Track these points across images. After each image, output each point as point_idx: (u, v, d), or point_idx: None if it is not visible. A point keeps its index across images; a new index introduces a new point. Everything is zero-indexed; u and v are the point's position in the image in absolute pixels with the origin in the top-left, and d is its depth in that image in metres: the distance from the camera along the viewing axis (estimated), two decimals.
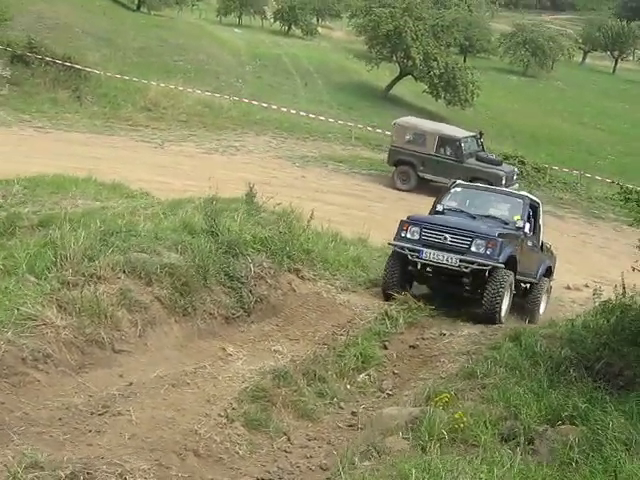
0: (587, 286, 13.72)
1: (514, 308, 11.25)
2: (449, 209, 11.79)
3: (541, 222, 12.38)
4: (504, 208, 12.02)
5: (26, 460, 4.47)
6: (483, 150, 21.23)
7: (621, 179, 18.08)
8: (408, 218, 11.15)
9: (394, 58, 32.29)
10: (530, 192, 20.98)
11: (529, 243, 11.80)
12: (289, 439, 6.98)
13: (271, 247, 10.03)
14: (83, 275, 7.84)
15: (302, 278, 10.27)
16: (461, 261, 10.41)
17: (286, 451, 6.74)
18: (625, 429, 5.53)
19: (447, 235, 10.58)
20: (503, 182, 19.33)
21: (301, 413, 7.46)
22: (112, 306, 7.63)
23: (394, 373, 8.84)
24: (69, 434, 5.73)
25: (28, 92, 23.04)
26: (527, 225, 11.47)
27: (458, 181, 12.72)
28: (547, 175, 23.82)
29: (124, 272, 8.14)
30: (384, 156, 24.33)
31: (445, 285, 11.05)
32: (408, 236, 10.84)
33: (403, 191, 20.32)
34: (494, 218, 11.59)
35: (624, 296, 9.11)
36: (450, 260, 10.46)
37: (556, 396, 6.64)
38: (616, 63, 57.37)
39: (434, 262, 10.55)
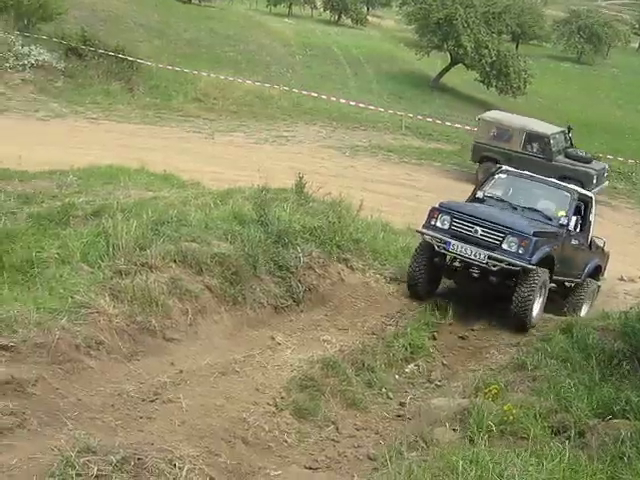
0: None
1: (553, 308, 10.60)
2: (490, 197, 11.00)
3: (592, 218, 11.46)
4: (550, 201, 11.05)
5: (79, 444, 4.57)
6: (572, 146, 20.21)
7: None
8: (440, 205, 10.23)
9: (445, 46, 31.97)
10: None
11: (573, 241, 10.84)
12: (337, 428, 7.02)
13: (320, 237, 10.05)
14: (135, 264, 7.96)
15: (351, 268, 10.26)
16: (490, 258, 9.51)
17: (334, 440, 6.78)
18: None
19: (478, 228, 9.68)
20: (594, 181, 18.52)
21: (349, 403, 7.49)
22: (163, 295, 7.73)
23: (443, 364, 8.81)
24: (121, 420, 5.84)
25: (82, 84, 23.37)
26: (572, 221, 10.55)
27: (504, 167, 11.82)
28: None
29: (175, 261, 8.25)
30: (433, 145, 24.26)
31: (473, 281, 10.14)
32: (438, 224, 10.01)
33: None
34: (537, 211, 10.68)
35: None
36: (478, 255, 9.58)
37: (608, 389, 6.53)
38: None
39: (461, 256, 9.75)
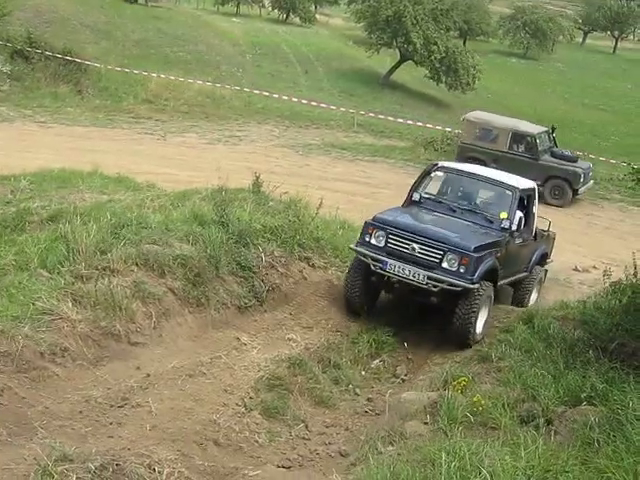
0: (595, 267, 13.65)
1: (503, 298, 10.51)
2: (427, 198, 10.29)
3: (535, 209, 10.86)
4: (491, 201, 10.44)
5: (55, 453, 4.50)
6: (556, 146, 19.96)
7: (626, 160, 18.06)
8: (374, 219, 9.48)
9: (394, 43, 32.18)
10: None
11: (517, 240, 10.20)
12: (307, 426, 7.05)
13: (281, 236, 10.03)
14: (96, 268, 7.87)
15: (313, 266, 10.26)
16: (429, 279, 8.83)
17: (305, 438, 6.81)
18: None
19: (416, 245, 8.98)
20: (582, 180, 18.56)
21: (317, 400, 7.54)
22: (126, 298, 7.65)
23: (408, 358, 8.89)
24: (90, 427, 5.78)
25: (29, 87, 22.92)
26: (515, 222, 9.99)
27: (440, 163, 10.99)
28: None
29: (137, 264, 8.17)
30: (386, 142, 24.39)
31: (413, 297, 9.45)
32: (372, 241, 9.28)
33: None
34: (477, 213, 10.02)
35: (635, 276, 9.10)
36: (417, 276, 8.89)
37: (573, 377, 6.67)
38: (616, 43, 57.14)
39: (399, 276, 9.05)
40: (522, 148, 19.28)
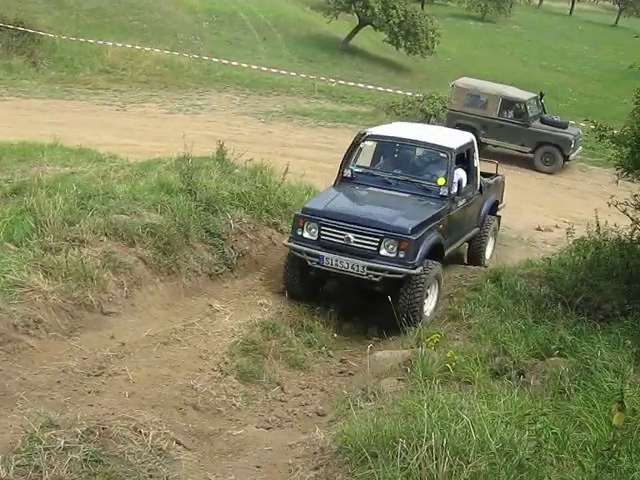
0: (557, 227, 13.91)
1: (459, 257, 10.57)
2: (359, 172, 9.70)
3: (476, 163, 10.46)
4: (426, 166, 9.95)
5: (41, 420, 4.53)
6: (545, 112, 19.70)
7: (585, 120, 18.29)
8: (303, 210, 8.93)
9: (352, 8, 31.94)
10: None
11: (461, 202, 9.78)
12: (282, 389, 7.15)
13: (249, 202, 10.06)
14: (65, 240, 7.83)
15: (281, 232, 10.29)
16: (369, 269, 8.39)
17: (281, 400, 6.91)
18: (613, 357, 5.74)
19: (350, 235, 8.47)
20: (572, 146, 18.47)
21: (292, 363, 7.64)
22: (97, 269, 7.64)
23: (378, 321, 8.99)
24: (69, 396, 5.80)
25: None
26: (455, 183, 9.48)
27: (368, 132, 10.15)
28: None
29: (106, 234, 8.15)
30: (347, 107, 24.36)
31: (358, 285, 8.99)
32: (305, 235, 8.73)
33: None
34: (413, 182, 9.46)
35: (598, 233, 9.31)
36: (356, 268, 8.42)
37: (542, 331, 6.84)
38: (573, 4, 57.41)
39: (337, 269, 8.56)
40: (512, 114, 19.07)
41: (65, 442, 4.28)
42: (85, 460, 4.22)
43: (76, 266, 7.43)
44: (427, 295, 8.64)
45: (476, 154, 10.52)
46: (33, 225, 7.99)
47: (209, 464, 4.60)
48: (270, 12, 35.06)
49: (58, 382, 6.00)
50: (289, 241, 8.95)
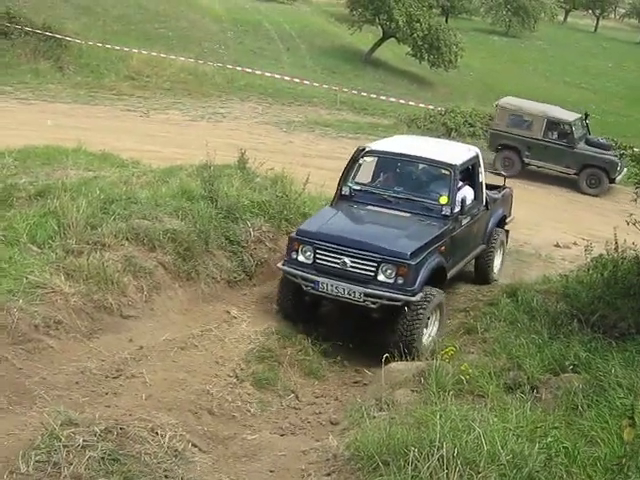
0: (576, 244, 13.84)
1: (466, 272, 10.21)
2: (358, 190, 9.24)
3: (482, 178, 10.00)
4: (428, 184, 9.43)
5: (60, 417, 4.62)
6: (589, 133, 19.22)
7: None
8: (298, 232, 8.51)
9: (377, 20, 32.09)
10: None
11: (465, 221, 9.33)
12: (297, 397, 7.21)
13: (269, 211, 10.14)
14: (87, 243, 7.96)
15: None
16: (366, 295, 7.94)
17: (295, 408, 6.97)
18: (627, 375, 5.75)
19: (347, 259, 8.03)
20: (618, 169, 17.96)
21: (307, 372, 7.71)
22: (118, 272, 7.76)
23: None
24: (87, 396, 5.90)
25: (9, 63, 22.73)
26: (459, 201, 9.00)
27: (368, 147, 9.63)
28: None
29: (127, 239, 8.27)
30: (369, 119, 24.44)
31: (355, 311, 8.45)
32: (300, 258, 8.31)
33: (506, 177, 18.65)
34: (415, 201, 8.98)
35: (616, 251, 9.29)
36: (353, 294, 7.99)
37: (557, 347, 6.86)
38: (598, 21, 57.34)
39: (333, 295, 8.15)
40: (557, 135, 18.62)
41: (84, 440, 4.37)
42: (103, 458, 4.30)
43: (97, 269, 7.55)
44: (427, 324, 8.14)
45: (482, 168, 10.06)
46: (56, 228, 8.14)
47: (223, 467, 4.67)
48: (295, 23, 35.31)
49: (76, 383, 6.11)
50: (283, 264, 8.50)
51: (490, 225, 10.53)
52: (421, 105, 24.73)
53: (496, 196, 10.89)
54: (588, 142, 18.74)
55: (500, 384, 6.09)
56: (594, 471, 3.66)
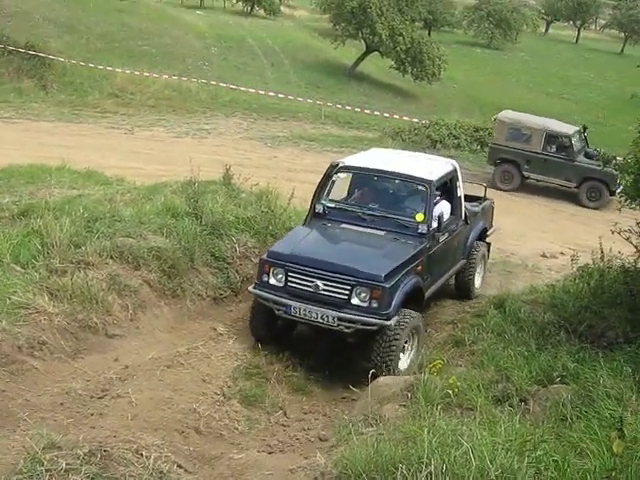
0: (562, 253, 13.87)
1: (448, 286, 9.97)
2: (332, 207, 8.93)
3: (460, 192, 9.70)
4: (404, 199, 9.14)
5: (43, 441, 4.55)
6: (588, 146, 19.07)
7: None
8: (268, 254, 8.21)
9: (360, 35, 32.24)
10: None
11: (443, 237, 9.03)
12: (285, 413, 7.16)
13: (254, 227, 10.10)
14: (71, 262, 7.90)
15: None
16: (340, 319, 7.63)
17: (284, 425, 6.92)
18: (615, 385, 5.73)
19: (319, 282, 7.72)
20: (618, 181, 17.02)
21: (295, 388, 7.66)
22: (102, 291, 7.70)
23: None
24: (72, 418, 5.83)
25: None
26: (435, 218, 8.70)
27: (341, 163, 9.27)
28: None
29: (112, 257, 8.22)
30: (354, 133, 24.47)
31: (329, 335, 8.13)
32: (271, 281, 7.99)
33: (505, 191, 18.38)
34: (390, 218, 8.69)
35: (602, 260, 9.30)
36: (326, 318, 7.68)
37: (545, 358, 6.84)
38: (579, 32, 57.81)
39: (306, 319, 7.84)
40: (556, 149, 18.56)
41: (67, 464, 4.30)
42: None
43: (81, 288, 7.49)
44: (403, 349, 7.87)
45: (459, 182, 9.71)
46: (39, 247, 8.07)
47: None
48: (278, 38, 35.44)
49: (61, 404, 6.03)
50: (254, 287, 8.17)
51: (470, 239, 10.27)
52: (405, 118, 24.83)
53: (476, 209, 10.62)
54: (587, 155, 18.57)
55: (489, 397, 6.05)
56: None
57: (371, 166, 9.38)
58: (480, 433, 4.32)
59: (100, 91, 24.16)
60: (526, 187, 19.06)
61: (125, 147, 18.78)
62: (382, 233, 8.60)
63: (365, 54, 33.01)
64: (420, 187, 8.91)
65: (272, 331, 8.33)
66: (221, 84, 26.60)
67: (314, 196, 9.09)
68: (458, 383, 6.12)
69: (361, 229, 8.72)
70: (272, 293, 7.98)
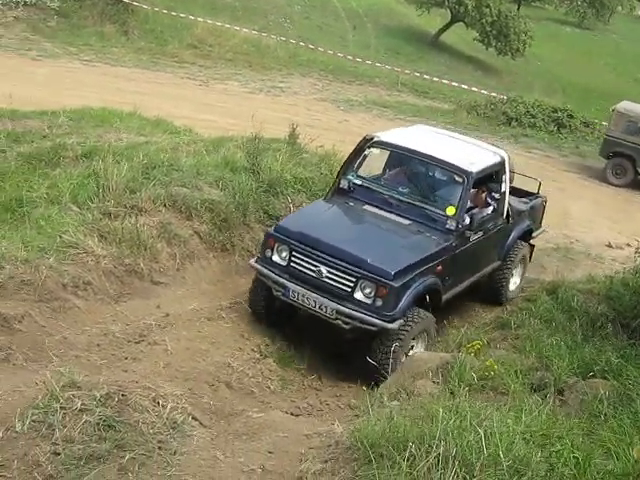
0: (629, 245, 13.43)
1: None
2: (359, 185, 8.17)
3: (506, 187, 8.67)
4: (437, 190, 8.25)
5: (64, 379, 4.63)
6: None
7: None
8: (275, 228, 7.59)
9: (446, 3, 31.50)
10: (577, 147, 20.89)
11: (475, 236, 8.09)
12: (320, 378, 7.12)
13: (312, 188, 10.01)
14: (124, 207, 7.98)
15: None
16: (339, 313, 6.94)
17: (317, 389, 6.91)
18: None
19: (323, 268, 7.03)
20: None
21: (333, 354, 7.57)
22: (152, 238, 7.77)
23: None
24: (106, 359, 5.91)
25: (76, 25, 22.99)
26: (467, 217, 7.90)
27: (376, 137, 8.40)
28: (596, 130, 23.21)
29: (165, 205, 8.27)
30: (429, 103, 24.07)
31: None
32: (274, 258, 7.37)
33: (616, 186, 17.71)
34: (420, 207, 7.88)
35: None
36: (324, 309, 7.00)
37: (589, 350, 6.64)
38: None
39: (303, 307, 7.20)
40: None
41: (82, 404, 4.36)
42: (98, 424, 4.28)
43: (131, 233, 7.58)
44: (410, 350, 7.17)
45: (506, 177, 8.67)
46: (96, 189, 8.17)
47: (221, 443, 4.61)
48: (363, 1, 34.92)
49: (98, 345, 6.13)
50: (256, 261, 7.60)
51: (510, 240, 9.15)
52: (484, 92, 24.28)
53: (522, 207, 9.54)
54: None
55: (525, 383, 5.90)
56: None
57: (407, 145, 8.41)
58: (504, 420, 4.20)
59: (180, 41, 24.24)
60: (597, 172, 18.47)
61: (198, 98, 18.86)
62: (407, 222, 7.77)
63: (449, 24, 32.30)
64: (457, 177, 7.98)
65: (270, 313, 7.67)
66: (300, 43, 26.43)
67: (341, 169, 8.41)
68: (495, 366, 5.98)
69: (385, 214, 7.89)
70: (273, 271, 7.34)
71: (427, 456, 3.45)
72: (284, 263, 7.31)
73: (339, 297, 7.00)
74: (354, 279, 6.94)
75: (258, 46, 25.52)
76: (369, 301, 6.93)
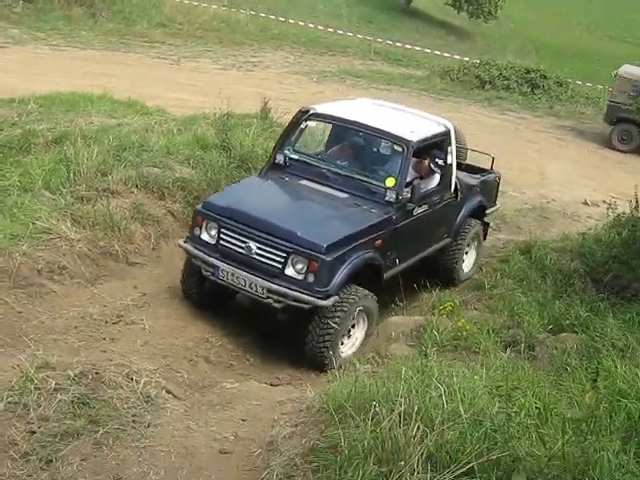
0: (605, 202, 13.52)
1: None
2: (295, 160, 7.79)
3: (451, 158, 8.19)
4: (377, 160, 7.87)
5: (37, 361, 4.71)
6: None
7: None
8: (204, 205, 7.18)
9: None
10: (551, 107, 20.98)
11: (418, 210, 7.66)
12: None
13: None
14: (96, 190, 8.00)
15: None
16: (269, 291, 6.57)
17: (296, 360, 6.96)
18: (623, 336, 5.66)
19: (252, 244, 6.67)
20: None
21: None
22: (125, 220, 7.80)
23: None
24: (84, 341, 5.98)
25: (42, 9, 22.74)
26: (406, 190, 7.38)
27: (312, 109, 7.93)
28: (569, 89, 23.31)
29: (137, 186, 8.30)
30: (402, 70, 24.06)
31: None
32: (203, 236, 7.01)
33: (622, 152, 17.56)
34: (358, 180, 7.51)
35: (637, 210, 9.06)
36: (254, 287, 6.63)
37: (559, 305, 6.77)
38: None
39: (234, 287, 6.82)
40: None
41: (56, 383, 4.45)
42: (72, 402, 4.38)
43: (104, 216, 7.61)
44: (346, 334, 6.82)
45: (451, 148, 8.21)
46: (67, 174, 8.18)
47: (195, 414, 4.72)
48: None
49: (75, 327, 6.19)
50: (185, 241, 7.20)
51: (460, 217, 8.68)
52: (457, 57, 24.34)
53: (472, 182, 9.05)
54: None
55: (497, 342, 6.04)
56: (559, 432, 3.60)
57: (345, 116, 8.00)
58: (471, 376, 4.32)
59: (149, 20, 24.04)
60: (573, 131, 18.59)
61: (170, 78, 18.74)
62: (344, 196, 7.41)
63: None
64: (396, 147, 7.61)
65: (202, 295, 7.27)
66: (271, 16, 26.29)
67: (276, 144, 8.03)
68: (468, 326, 6.11)
69: (322, 188, 7.53)
70: (202, 250, 6.96)
71: (390, 414, 3.56)
72: (213, 241, 6.96)
73: (270, 274, 6.63)
74: (285, 254, 6.61)
75: (228, 21, 25.36)
76: (301, 277, 6.57)
